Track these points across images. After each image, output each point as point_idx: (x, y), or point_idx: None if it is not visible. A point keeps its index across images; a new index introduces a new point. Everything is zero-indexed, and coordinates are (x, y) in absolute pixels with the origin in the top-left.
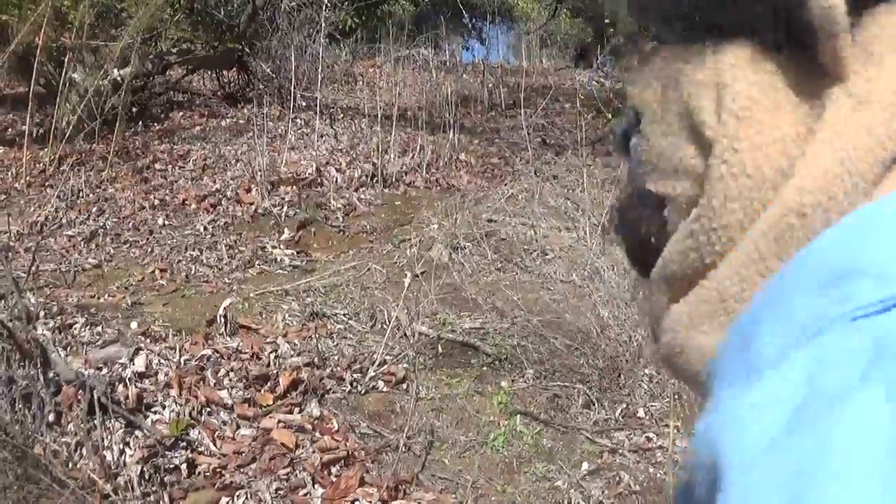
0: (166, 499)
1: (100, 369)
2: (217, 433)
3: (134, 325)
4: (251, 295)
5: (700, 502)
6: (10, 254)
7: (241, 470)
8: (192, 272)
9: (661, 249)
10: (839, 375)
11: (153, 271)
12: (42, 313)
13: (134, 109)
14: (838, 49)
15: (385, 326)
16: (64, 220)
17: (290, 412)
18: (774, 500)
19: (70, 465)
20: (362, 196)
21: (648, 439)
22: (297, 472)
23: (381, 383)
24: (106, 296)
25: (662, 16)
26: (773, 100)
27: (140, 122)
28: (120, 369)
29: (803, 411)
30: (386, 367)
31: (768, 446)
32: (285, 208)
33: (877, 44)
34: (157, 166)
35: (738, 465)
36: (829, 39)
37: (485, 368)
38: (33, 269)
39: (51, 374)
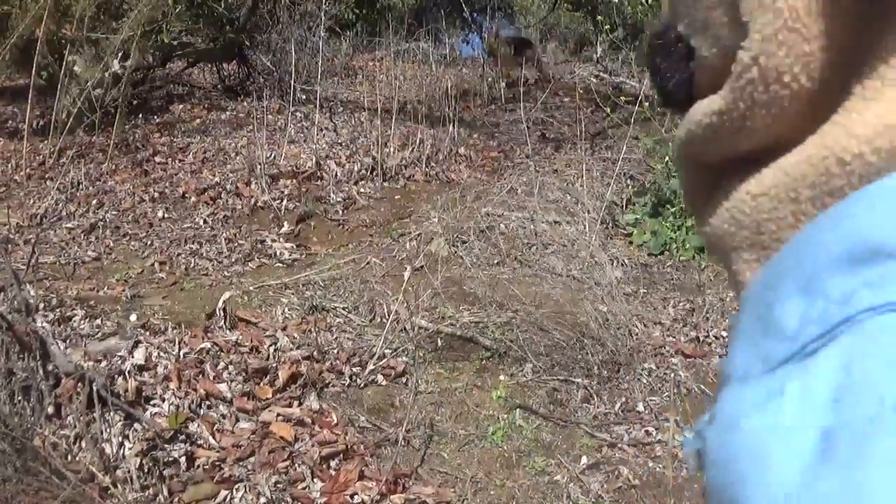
0: (165, 492)
1: (99, 362)
2: (216, 426)
3: (133, 317)
4: (250, 288)
5: None
6: (9, 246)
7: (240, 463)
8: (192, 265)
9: (676, 96)
10: (870, 394)
11: (153, 264)
12: (41, 305)
13: (134, 102)
14: None
15: (384, 320)
16: (63, 213)
17: (290, 406)
18: None
19: (69, 457)
20: (362, 190)
21: (648, 433)
22: (296, 465)
23: (380, 377)
24: (105, 288)
25: None
26: (822, 13)
27: (140, 115)
28: (119, 362)
29: (832, 440)
30: (385, 360)
31: (794, 489)
32: (285, 202)
33: None
34: (157, 159)
35: None
36: None
37: (484, 362)
38: (33, 261)
39: (50, 367)
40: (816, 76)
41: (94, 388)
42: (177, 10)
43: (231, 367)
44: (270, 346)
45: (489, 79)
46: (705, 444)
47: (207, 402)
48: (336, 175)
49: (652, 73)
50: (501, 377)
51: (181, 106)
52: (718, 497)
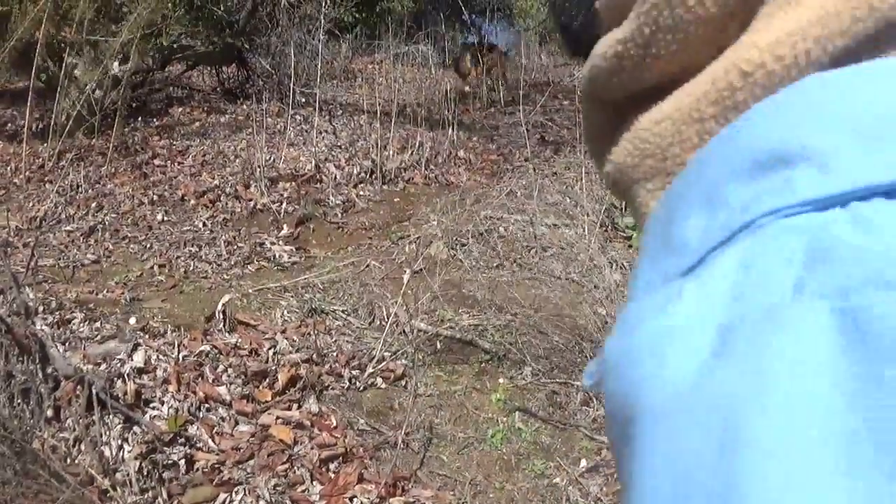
0: (164, 494)
1: (98, 365)
2: (215, 429)
3: (132, 320)
4: (250, 291)
5: (612, 431)
6: (9, 249)
7: (240, 466)
8: (191, 268)
9: (580, 37)
10: (768, 289)
11: (152, 267)
12: (41, 308)
13: (133, 105)
14: None
15: (384, 323)
16: (63, 216)
17: (289, 408)
18: (699, 453)
19: (69, 460)
20: (361, 192)
21: None
22: (296, 468)
23: (379, 380)
24: (105, 291)
25: None
26: None
27: (139, 118)
28: (118, 365)
29: (729, 335)
30: (384, 363)
31: (689, 384)
32: (284, 205)
33: None
34: (157, 162)
35: (655, 410)
36: None
37: (483, 365)
38: (32, 264)
39: (49, 370)
40: (722, 1)
41: (94, 391)
42: (176, 14)
43: (230, 370)
44: (270, 348)
45: (488, 81)
46: (604, 362)
47: (207, 405)
48: (335, 178)
49: (556, 15)
50: (501, 380)
51: (180, 109)
52: (618, 404)
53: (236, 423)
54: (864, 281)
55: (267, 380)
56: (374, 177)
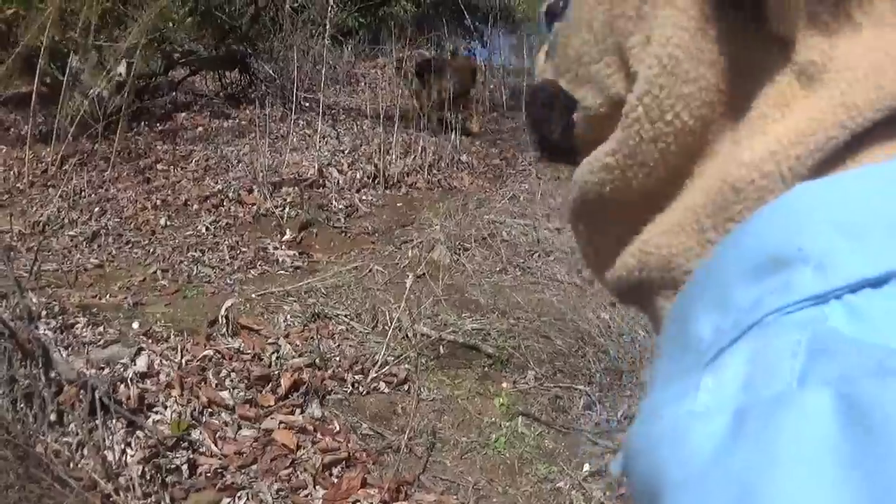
0: (167, 499)
1: (101, 369)
2: (218, 434)
3: (135, 325)
4: (253, 296)
5: None
6: (12, 253)
7: (243, 471)
8: (194, 273)
9: (560, 146)
10: (776, 377)
11: (155, 272)
12: (44, 313)
13: (136, 110)
14: (789, 14)
15: (387, 327)
16: (66, 220)
17: (292, 413)
18: None
19: (71, 464)
20: (364, 197)
21: None
22: (299, 473)
23: (382, 384)
24: (108, 296)
25: None
26: (703, 51)
27: (142, 123)
28: (121, 369)
29: (743, 419)
30: (387, 368)
31: (709, 461)
32: (287, 209)
33: (854, 10)
34: (160, 167)
35: (679, 483)
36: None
37: (486, 369)
38: (35, 268)
39: (52, 374)
40: (698, 114)
41: (97, 396)
42: (180, 19)
43: (233, 375)
44: (273, 353)
45: (491, 86)
46: (629, 444)
47: (210, 410)
48: (338, 182)
49: (535, 126)
50: (504, 384)
51: (184, 114)
52: (645, 483)
53: (239, 427)
54: (861, 370)
55: (270, 384)
56: (376, 181)
